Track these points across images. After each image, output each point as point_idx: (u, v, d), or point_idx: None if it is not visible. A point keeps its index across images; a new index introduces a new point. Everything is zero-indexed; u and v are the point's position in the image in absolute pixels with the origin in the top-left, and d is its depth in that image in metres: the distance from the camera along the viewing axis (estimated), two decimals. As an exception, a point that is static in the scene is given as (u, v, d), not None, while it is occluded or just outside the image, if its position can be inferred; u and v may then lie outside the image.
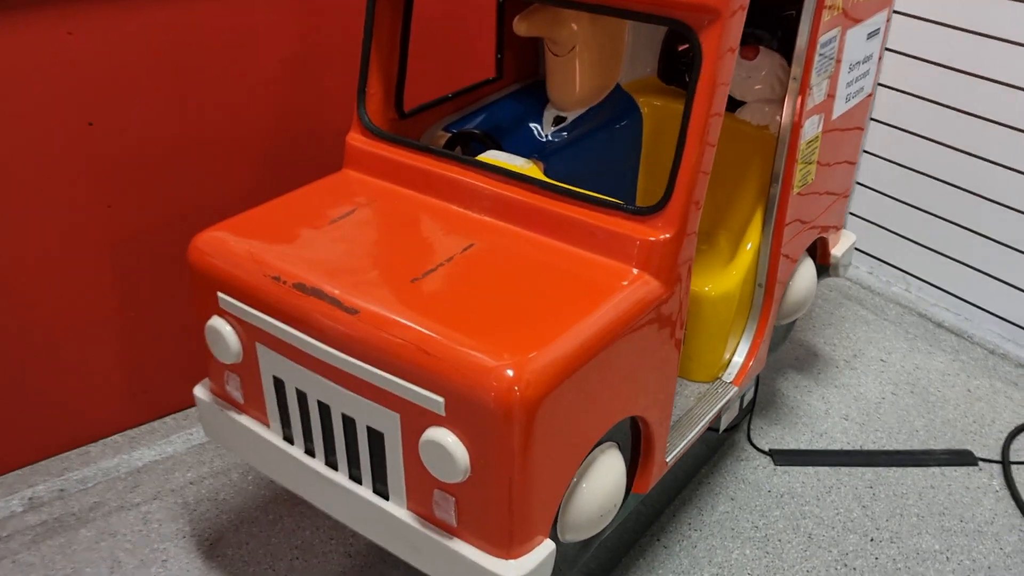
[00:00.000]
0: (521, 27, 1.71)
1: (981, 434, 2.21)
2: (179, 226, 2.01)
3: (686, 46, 2.07)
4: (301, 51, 2.07)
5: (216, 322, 1.39)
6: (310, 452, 1.41)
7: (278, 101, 2.07)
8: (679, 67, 2.07)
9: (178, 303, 2.08)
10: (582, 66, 1.83)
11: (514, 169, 1.47)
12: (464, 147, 1.77)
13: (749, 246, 1.74)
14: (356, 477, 1.35)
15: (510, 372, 1.09)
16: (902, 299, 2.73)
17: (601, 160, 1.91)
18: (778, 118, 1.82)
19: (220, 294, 1.38)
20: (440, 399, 1.13)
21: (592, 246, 1.37)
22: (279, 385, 1.38)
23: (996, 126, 2.39)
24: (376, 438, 1.27)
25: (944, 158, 2.53)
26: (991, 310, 2.56)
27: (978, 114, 2.41)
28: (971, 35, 2.37)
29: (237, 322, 1.38)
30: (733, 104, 1.95)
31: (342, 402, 1.28)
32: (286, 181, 1.72)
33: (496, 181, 1.46)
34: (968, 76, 2.40)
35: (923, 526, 1.94)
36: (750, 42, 1.89)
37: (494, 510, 1.16)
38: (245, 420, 1.48)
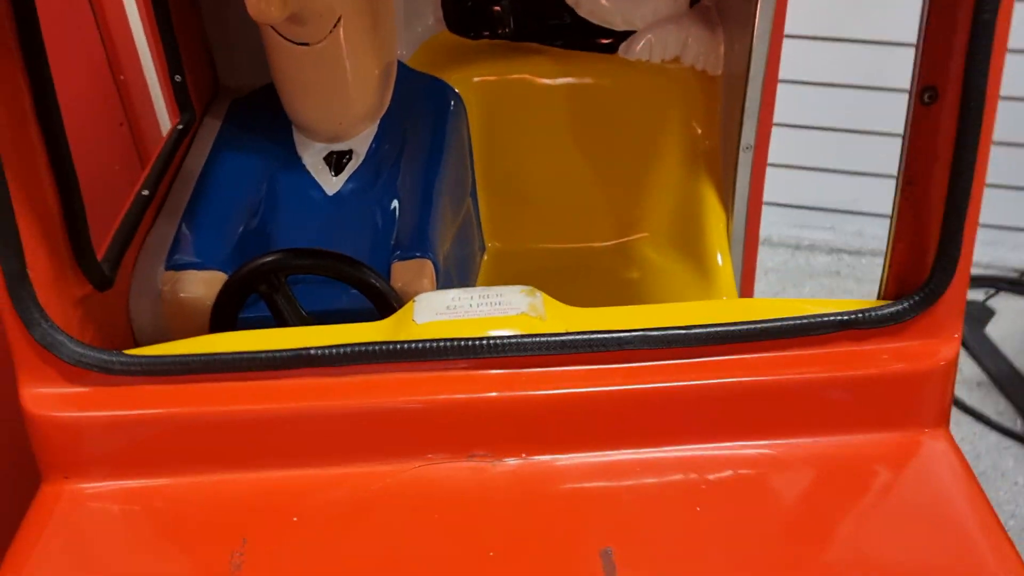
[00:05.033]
0: (272, 8, 0.99)
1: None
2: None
3: None
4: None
5: None
6: None
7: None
8: (476, 5, 1.32)
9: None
10: (355, 52, 1.08)
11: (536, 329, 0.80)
12: (268, 293, 1.01)
13: (720, 260, 1.19)
14: None
15: None
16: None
17: (424, 197, 1.17)
18: (693, 44, 1.24)
19: None
20: None
21: (833, 425, 0.82)
22: None
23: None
24: None
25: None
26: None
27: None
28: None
29: None
30: (591, 36, 1.33)
31: None
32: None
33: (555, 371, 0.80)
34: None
35: None
36: None
37: None
38: None
